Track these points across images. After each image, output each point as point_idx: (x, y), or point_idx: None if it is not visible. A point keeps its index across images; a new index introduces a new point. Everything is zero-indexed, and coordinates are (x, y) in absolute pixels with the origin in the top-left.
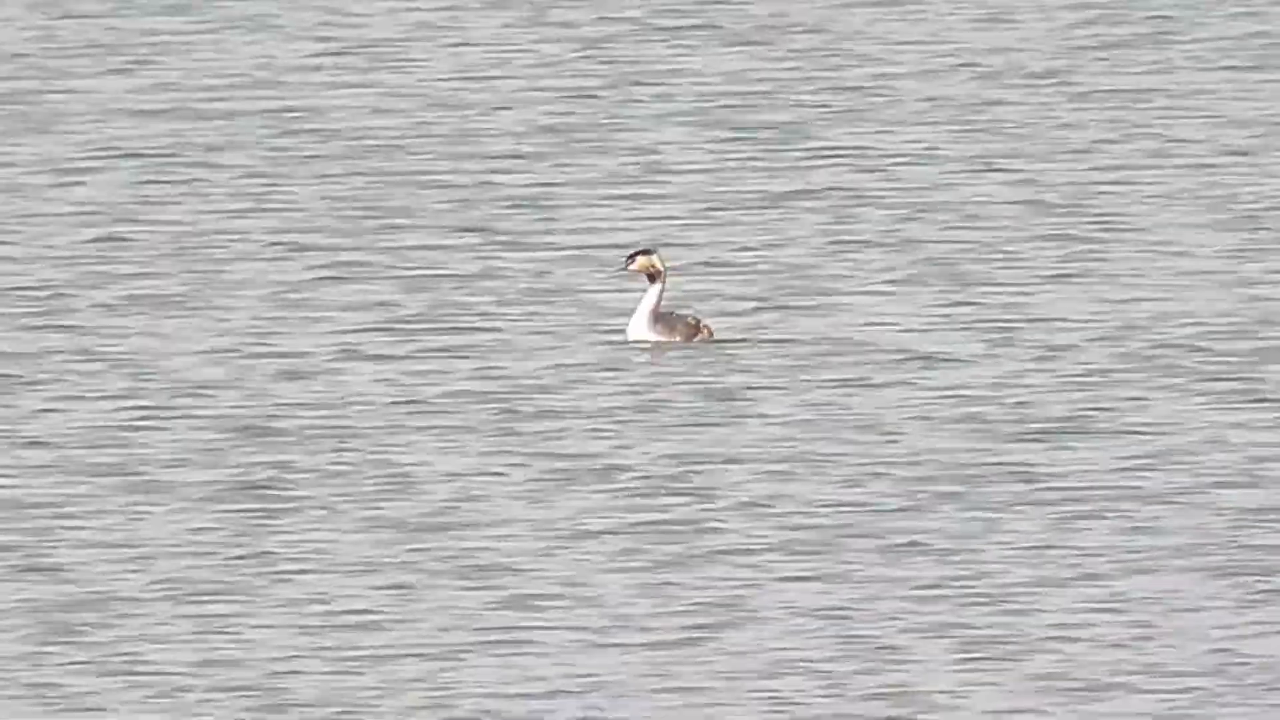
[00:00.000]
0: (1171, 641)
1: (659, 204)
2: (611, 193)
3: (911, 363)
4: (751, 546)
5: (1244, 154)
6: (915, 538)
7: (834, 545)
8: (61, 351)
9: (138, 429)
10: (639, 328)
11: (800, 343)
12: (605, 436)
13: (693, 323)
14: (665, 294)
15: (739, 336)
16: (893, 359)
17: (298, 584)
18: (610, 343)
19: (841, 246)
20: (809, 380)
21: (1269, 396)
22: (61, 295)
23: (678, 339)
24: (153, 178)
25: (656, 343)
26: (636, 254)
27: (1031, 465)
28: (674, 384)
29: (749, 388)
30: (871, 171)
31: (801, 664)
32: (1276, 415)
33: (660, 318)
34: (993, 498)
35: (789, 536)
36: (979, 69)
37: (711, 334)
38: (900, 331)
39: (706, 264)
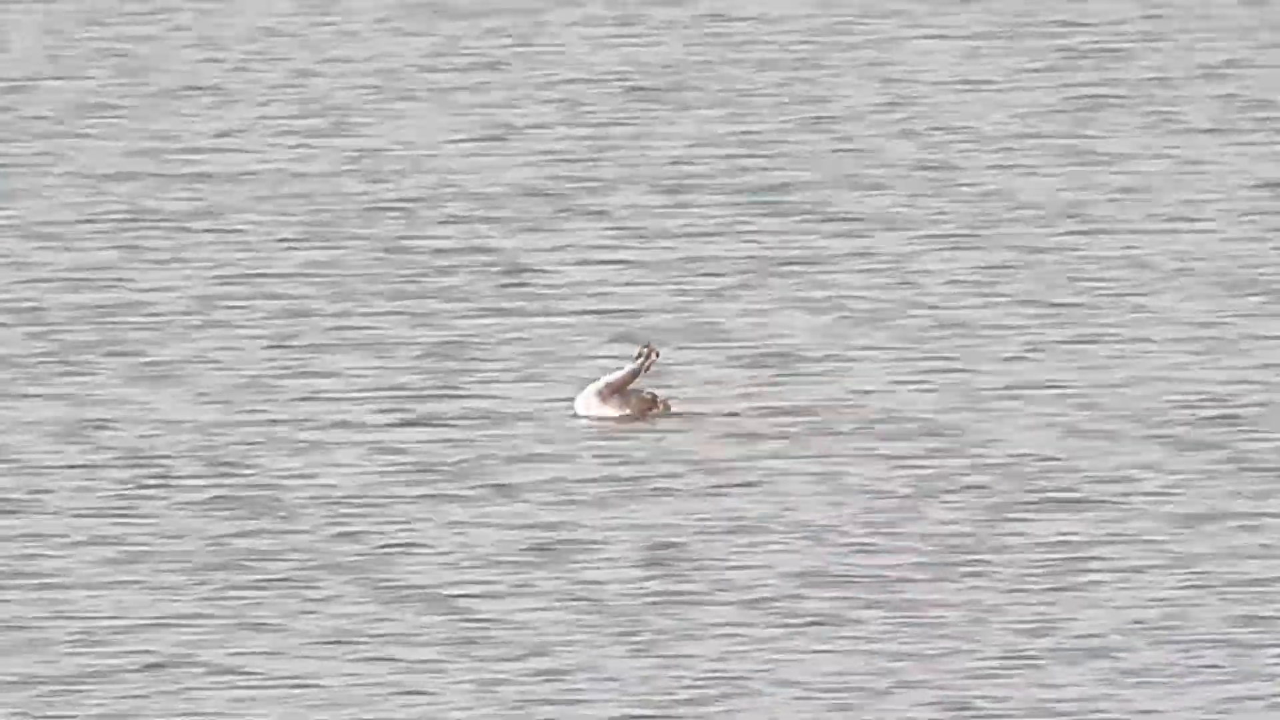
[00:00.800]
0: (1178, 714)
1: (633, 270)
2: (587, 259)
3: (898, 431)
4: (746, 619)
5: (1235, 217)
6: (911, 610)
7: (830, 618)
8: (51, 421)
9: (128, 500)
10: (588, 402)
11: (775, 413)
12: (590, 507)
13: (648, 397)
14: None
15: (699, 410)
16: (885, 428)
17: (288, 657)
18: (584, 417)
19: (820, 314)
20: (789, 451)
21: (1270, 465)
22: (49, 363)
23: (629, 412)
24: (140, 244)
25: (604, 417)
26: (651, 352)
27: (1027, 535)
28: (653, 457)
29: (721, 460)
30: (848, 237)
31: None
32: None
33: (615, 390)
34: (990, 568)
35: (783, 608)
36: (961, 132)
37: (668, 408)
38: (889, 400)
39: (680, 334)
